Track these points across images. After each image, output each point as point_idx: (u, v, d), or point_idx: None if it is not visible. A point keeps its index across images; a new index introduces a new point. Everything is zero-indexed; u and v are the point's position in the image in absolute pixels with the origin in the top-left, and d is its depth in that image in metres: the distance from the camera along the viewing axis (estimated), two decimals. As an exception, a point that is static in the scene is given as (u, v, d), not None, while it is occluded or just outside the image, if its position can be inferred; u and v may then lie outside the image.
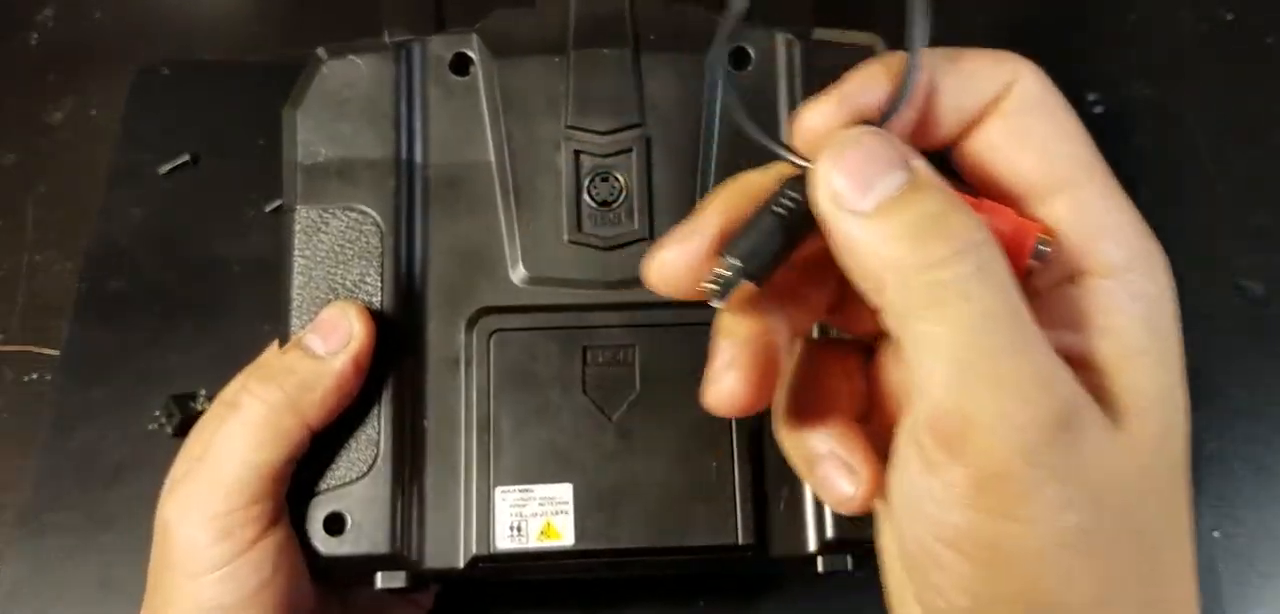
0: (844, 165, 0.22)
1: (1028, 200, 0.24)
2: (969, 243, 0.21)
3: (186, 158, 0.49)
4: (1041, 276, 0.24)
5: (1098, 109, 0.52)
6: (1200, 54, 0.55)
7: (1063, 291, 0.24)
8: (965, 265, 0.21)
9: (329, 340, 0.33)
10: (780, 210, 0.24)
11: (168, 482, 0.34)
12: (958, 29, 0.53)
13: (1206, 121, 0.53)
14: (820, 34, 0.39)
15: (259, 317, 0.45)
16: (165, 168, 0.49)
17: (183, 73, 0.51)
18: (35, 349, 0.46)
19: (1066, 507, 0.21)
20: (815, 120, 0.24)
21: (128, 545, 0.42)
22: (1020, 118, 0.24)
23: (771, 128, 0.37)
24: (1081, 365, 0.23)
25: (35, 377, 0.46)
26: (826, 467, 0.26)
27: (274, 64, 0.52)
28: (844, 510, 0.26)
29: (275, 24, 0.54)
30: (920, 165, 0.23)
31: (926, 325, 0.21)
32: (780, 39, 0.39)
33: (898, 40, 0.39)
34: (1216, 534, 0.43)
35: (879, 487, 0.26)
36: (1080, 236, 0.23)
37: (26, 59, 0.53)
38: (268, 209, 0.48)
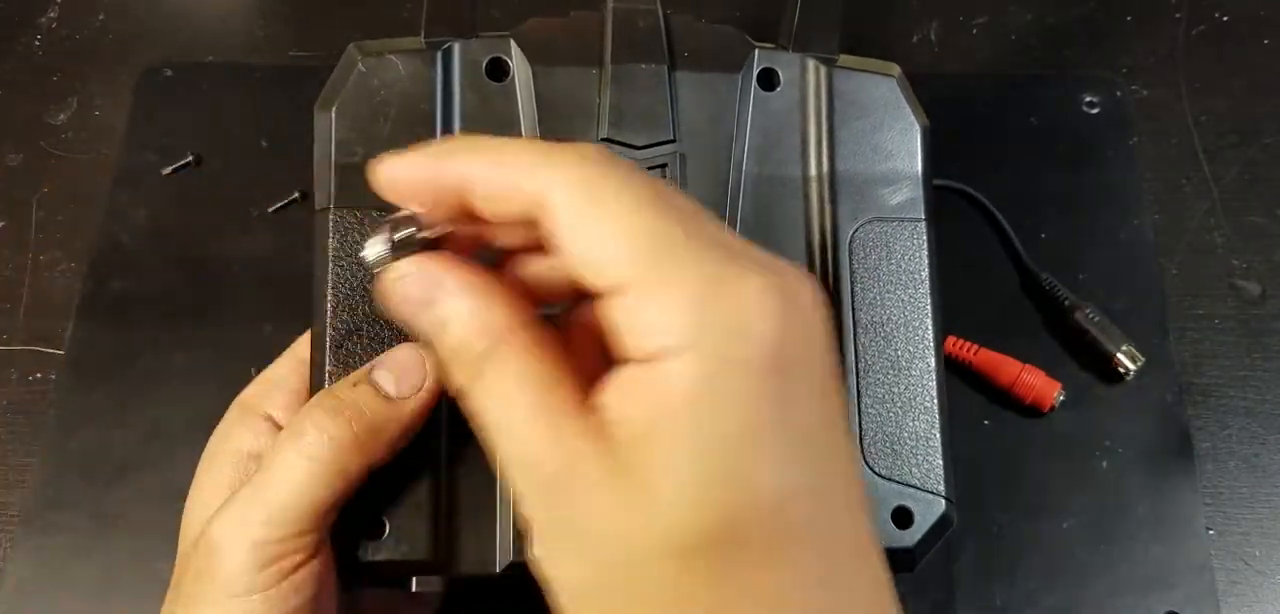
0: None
1: (598, 302, 0.25)
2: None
3: (189, 159, 0.49)
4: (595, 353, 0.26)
5: (1094, 110, 0.52)
6: (1196, 55, 0.55)
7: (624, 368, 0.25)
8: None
9: (402, 383, 0.32)
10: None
11: (203, 481, 0.34)
12: (957, 32, 0.54)
13: (1202, 122, 0.53)
14: (844, 61, 0.40)
15: (261, 317, 0.46)
16: (168, 169, 0.49)
17: (186, 74, 0.52)
18: (39, 349, 0.46)
19: (570, 560, 0.25)
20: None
21: (131, 544, 0.42)
22: (562, 230, 0.25)
23: (799, 149, 0.38)
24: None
25: (39, 376, 0.46)
26: None
27: (276, 67, 0.53)
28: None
29: (277, 27, 0.54)
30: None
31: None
32: (809, 63, 0.39)
33: (910, 67, 0.40)
34: (1211, 531, 0.44)
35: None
36: (625, 334, 0.25)
37: (31, 60, 0.53)
38: (270, 210, 0.48)
